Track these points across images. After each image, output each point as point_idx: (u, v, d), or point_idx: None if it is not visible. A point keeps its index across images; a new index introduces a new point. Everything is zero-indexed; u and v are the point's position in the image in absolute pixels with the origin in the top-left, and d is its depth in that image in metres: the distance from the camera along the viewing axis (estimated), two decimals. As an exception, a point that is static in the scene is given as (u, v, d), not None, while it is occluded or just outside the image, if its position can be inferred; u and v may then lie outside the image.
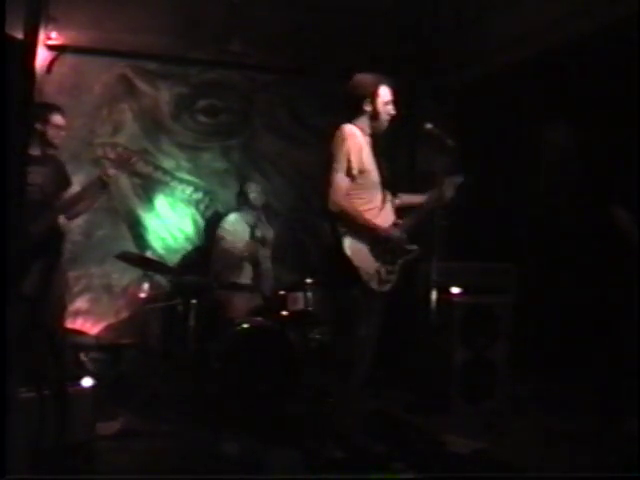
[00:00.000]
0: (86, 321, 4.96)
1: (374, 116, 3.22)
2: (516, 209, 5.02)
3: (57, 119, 3.75)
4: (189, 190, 5.33)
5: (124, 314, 5.09)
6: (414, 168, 5.57)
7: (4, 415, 1.91)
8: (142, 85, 5.20)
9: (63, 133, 3.81)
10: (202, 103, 5.37)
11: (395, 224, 3.22)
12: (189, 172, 5.33)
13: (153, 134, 5.24)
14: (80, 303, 4.96)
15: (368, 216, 3.11)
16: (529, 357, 4.39)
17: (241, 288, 4.56)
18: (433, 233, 3.26)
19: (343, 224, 3.06)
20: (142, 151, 5.19)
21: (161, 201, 5.26)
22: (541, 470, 3.11)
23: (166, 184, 5.27)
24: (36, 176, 3.59)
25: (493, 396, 4.13)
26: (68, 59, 4.91)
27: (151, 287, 4.88)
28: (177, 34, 5.07)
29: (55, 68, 4.86)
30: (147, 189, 5.22)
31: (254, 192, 4.82)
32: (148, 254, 5.06)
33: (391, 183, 3.31)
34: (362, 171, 3.12)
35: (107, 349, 4.57)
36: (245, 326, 3.99)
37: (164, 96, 5.26)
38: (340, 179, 3.05)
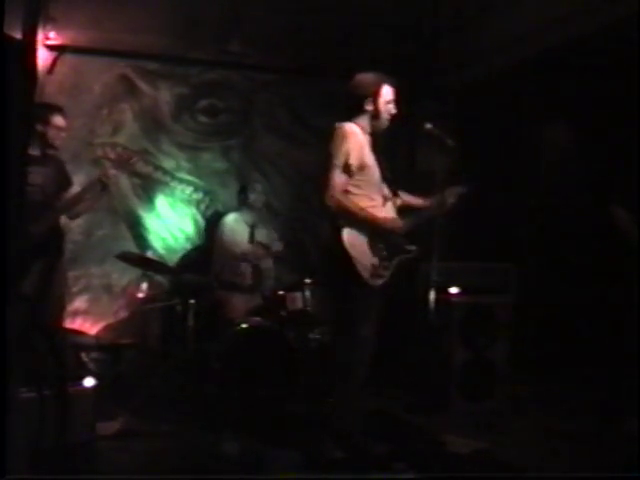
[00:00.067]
0: (86, 321, 4.96)
1: (375, 115, 3.23)
2: (516, 209, 5.02)
3: (58, 120, 3.75)
4: (189, 190, 5.33)
5: (124, 314, 5.09)
6: (414, 168, 5.57)
7: (4, 415, 1.91)
8: (143, 85, 5.20)
9: (63, 134, 3.81)
10: (202, 103, 5.36)
11: (394, 221, 3.23)
12: (189, 172, 5.33)
13: (153, 134, 5.23)
14: (80, 303, 4.96)
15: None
16: (529, 357, 4.39)
17: (241, 288, 4.56)
18: (433, 233, 3.26)
19: (341, 218, 3.07)
20: (142, 151, 5.19)
21: (161, 201, 5.25)
22: (541, 470, 3.11)
23: (166, 184, 5.27)
24: (37, 176, 3.59)
25: (493, 396, 4.13)
26: (68, 59, 4.91)
27: (151, 287, 4.89)
28: (177, 34, 5.06)
29: (55, 68, 4.86)
30: (147, 189, 5.22)
31: (254, 192, 4.83)
32: (148, 254, 5.06)
33: (392, 181, 3.32)
34: (363, 168, 3.13)
35: (107, 349, 4.57)
36: (245, 326, 4.00)
37: (164, 96, 5.26)
38: (337, 175, 3.06)
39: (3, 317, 1.90)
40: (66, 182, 3.90)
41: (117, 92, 5.14)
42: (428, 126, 3.30)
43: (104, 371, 4.28)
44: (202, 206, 5.36)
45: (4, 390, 1.93)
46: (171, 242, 5.27)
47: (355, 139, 3.13)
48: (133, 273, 4.97)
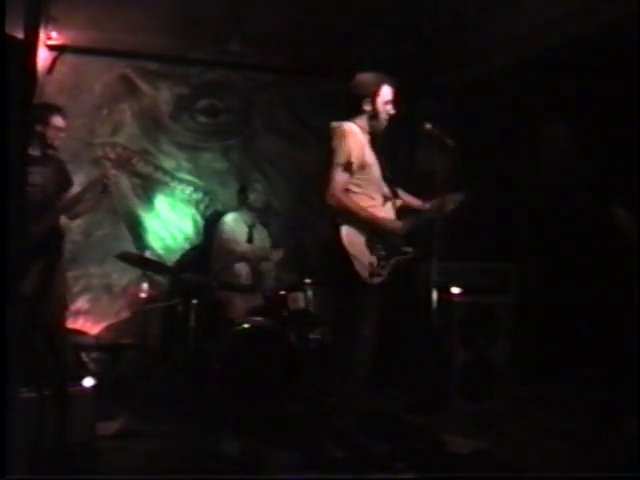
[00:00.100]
0: (86, 321, 4.96)
1: (373, 115, 3.23)
2: (516, 209, 5.02)
3: (57, 121, 3.74)
4: (189, 190, 5.33)
5: (124, 314, 5.09)
6: (414, 168, 5.57)
7: (4, 415, 1.92)
8: (143, 85, 5.20)
9: (63, 134, 3.80)
10: (202, 103, 5.36)
11: (394, 222, 3.24)
12: (189, 172, 5.33)
13: (153, 134, 5.24)
14: (80, 303, 4.96)
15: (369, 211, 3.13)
16: (529, 357, 4.39)
17: (241, 288, 4.56)
18: (433, 233, 3.26)
19: (343, 217, 3.08)
20: (142, 151, 5.19)
21: (161, 201, 5.26)
22: (541, 470, 3.11)
23: (166, 184, 5.27)
24: (37, 177, 3.59)
25: (493, 396, 4.13)
26: (68, 59, 4.91)
27: (151, 287, 4.89)
28: (177, 34, 5.06)
29: (55, 68, 4.86)
30: (147, 189, 5.22)
31: (254, 192, 4.83)
32: (148, 254, 5.06)
33: (392, 181, 3.32)
34: (363, 167, 3.13)
35: (107, 349, 4.57)
36: (245, 326, 3.99)
37: (164, 96, 5.26)
38: (339, 173, 3.07)
39: (3, 317, 1.90)
40: (66, 182, 3.89)
41: (117, 92, 5.14)
42: (428, 126, 3.30)
43: (104, 371, 4.28)
44: (202, 206, 5.36)
45: (4, 390, 1.93)
46: (171, 242, 5.27)
47: (355, 138, 3.13)
48: (133, 273, 4.98)
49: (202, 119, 5.37)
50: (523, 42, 4.68)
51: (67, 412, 3.02)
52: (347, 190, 3.10)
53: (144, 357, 4.66)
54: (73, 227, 4.64)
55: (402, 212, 3.36)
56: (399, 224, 3.21)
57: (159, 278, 4.99)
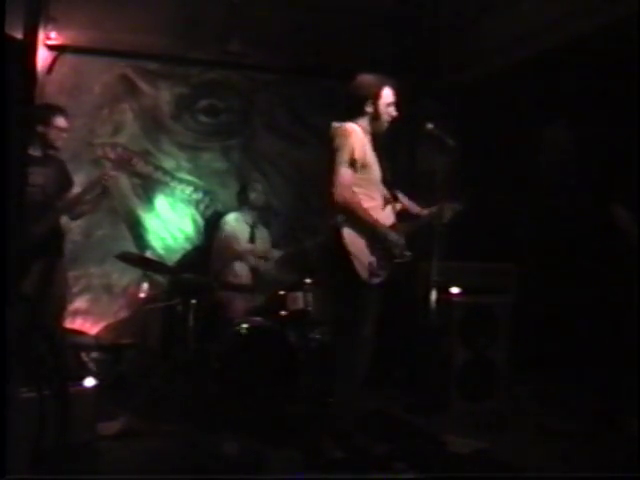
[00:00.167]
0: (86, 321, 4.96)
1: (375, 117, 3.24)
2: (516, 209, 5.02)
3: (59, 121, 3.75)
4: (189, 190, 5.33)
5: (124, 314, 5.09)
6: (414, 168, 5.57)
7: (4, 415, 1.92)
8: (143, 85, 5.20)
9: (65, 135, 3.81)
10: (202, 103, 5.37)
11: (394, 226, 3.24)
12: (189, 172, 5.33)
13: (153, 134, 5.24)
14: (80, 303, 4.96)
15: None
16: (529, 357, 4.39)
17: (241, 288, 4.56)
18: (433, 233, 3.27)
19: (344, 215, 3.08)
20: (143, 151, 5.19)
21: (161, 201, 5.26)
22: (541, 470, 3.11)
23: (166, 184, 5.27)
24: (38, 177, 3.60)
25: (493, 396, 4.13)
26: (68, 59, 4.91)
27: (151, 287, 4.89)
28: (177, 34, 5.06)
29: (55, 68, 4.86)
30: (147, 189, 5.22)
31: (255, 192, 4.82)
32: (148, 254, 5.06)
33: (392, 184, 3.33)
34: (365, 166, 3.14)
35: (107, 349, 4.57)
36: (245, 326, 3.99)
37: (165, 96, 5.26)
38: (345, 171, 3.07)
39: (3, 317, 1.90)
40: (67, 182, 3.90)
41: (117, 92, 5.14)
42: (428, 126, 3.30)
43: (104, 371, 4.28)
44: (202, 206, 5.36)
45: (4, 390, 1.93)
46: (171, 242, 5.27)
47: (357, 137, 3.14)
48: (133, 273, 4.98)
49: (202, 119, 5.37)
50: (523, 42, 4.68)
51: (67, 412, 3.02)
52: (352, 188, 3.10)
53: (144, 357, 4.66)
54: (73, 227, 4.65)
55: (401, 216, 3.36)
56: (398, 237, 3.19)
57: (159, 278, 4.99)
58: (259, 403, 3.78)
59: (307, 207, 5.50)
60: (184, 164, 5.32)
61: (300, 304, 4.16)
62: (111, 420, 3.57)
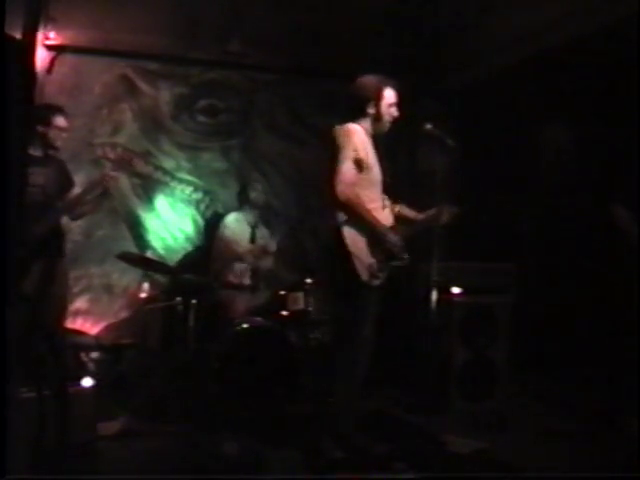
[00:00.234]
0: (86, 321, 4.96)
1: (377, 118, 3.25)
2: (516, 209, 5.02)
3: (59, 121, 3.75)
4: (189, 190, 5.33)
5: (124, 314, 5.09)
6: (414, 168, 5.57)
7: (4, 415, 1.91)
8: (143, 85, 5.20)
9: (65, 135, 3.81)
10: (202, 103, 5.36)
11: (392, 228, 3.24)
12: (189, 172, 5.33)
13: (153, 134, 5.24)
14: (80, 303, 4.96)
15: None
16: (529, 357, 4.39)
17: (241, 288, 4.56)
18: (433, 233, 3.27)
19: (346, 213, 3.08)
20: (142, 151, 5.19)
21: (161, 201, 5.26)
22: (541, 470, 3.11)
23: (166, 184, 5.27)
24: (38, 177, 3.60)
25: (493, 396, 4.13)
26: (68, 59, 4.91)
27: (151, 287, 4.89)
28: (177, 34, 5.06)
29: (55, 68, 4.86)
30: (147, 189, 5.22)
31: (255, 191, 4.82)
32: (148, 254, 5.06)
33: (392, 188, 3.33)
34: (366, 166, 3.14)
35: (107, 349, 4.57)
36: (245, 326, 4.00)
37: (164, 96, 5.26)
38: (347, 168, 3.06)
39: (3, 317, 1.90)
40: (68, 183, 3.90)
41: (117, 92, 5.14)
42: (428, 126, 3.31)
43: (104, 371, 4.28)
44: (202, 206, 5.36)
45: (4, 390, 1.93)
46: (171, 242, 5.27)
47: (359, 136, 3.15)
48: (133, 273, 4.98)
49: (202, 119, 5.37)
50: (523, 42, 4.68)
51: (67, 412, 3.02)
52: (354, 186, 3.10)
53: (144, 357, 4.66)
54: (73, 227, 4.65)
55: (399, 219, 3.37)
56: (397, 238, 3.19)
57: (159, 278, 4.99)
58: (259, 403, 3.79)
59: (307, 207, 5.50)
60: (184, 164, 5.32)
61: (301, 304, 4.17)
62: (111, 420, 3.57)
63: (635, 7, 3.61)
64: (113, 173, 4.10)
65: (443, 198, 3.28)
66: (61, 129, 3.76)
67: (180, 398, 3.92)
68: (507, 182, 5.02)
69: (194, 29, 5.05)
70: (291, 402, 3.87)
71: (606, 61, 4.10)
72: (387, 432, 3.60)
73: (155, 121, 5.24)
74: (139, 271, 4.88)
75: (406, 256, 3.22)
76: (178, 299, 4.18)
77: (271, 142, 5.56)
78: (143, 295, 4.78)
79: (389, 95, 3.25)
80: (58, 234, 3.80)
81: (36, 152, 3.65)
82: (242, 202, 4.86)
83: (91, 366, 4.31)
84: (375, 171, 3.23)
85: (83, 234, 4.96)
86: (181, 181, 5.31)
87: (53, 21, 4.63)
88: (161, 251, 5.22)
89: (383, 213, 3.25)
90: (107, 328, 5.00)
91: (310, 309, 4.14)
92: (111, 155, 5.09)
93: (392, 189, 3.36)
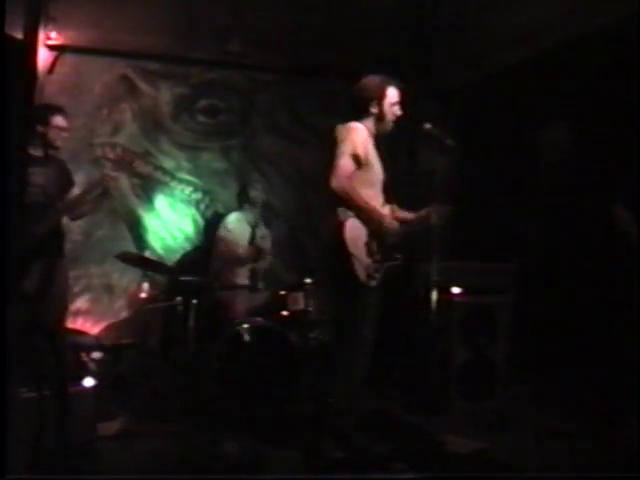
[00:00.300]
0: (86, 321, 4.96)
1: (380, 118, 3.27)
2: (516, 209, 5.02)
3: (59, 120, 3.75)
4: (189, 190, 5.33)
5: (124, 314, 5.09)
6: (414, 168, 5.57)
7: (4, 415, 1.92)
8: (143, 85, 5.20)
9: (65, 134, 3.81)
10: (202, 103, 5.37)
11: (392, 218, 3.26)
12: (189, 172, 5.33)
13: (153, 134, 5.24)
14: (80, 303, 4.96)
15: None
16: (529, 357, 4.39)
17: (241, 288, 4.56)
18: (433, 233, 3.27)
19: (344, 206, 3.08)
20: (142, 151, 5.19)
21: (161, 201, 5.26)
22: (541, 470, 3.11)
23: (166, 184, 5.27)
24: (38, 177, 3.59)
25: (493, 396, 4.13)
26: (69, 59, 4.91)
27: (151, 287, 4.88)
28: (177, 34, 5.06)
29: (55, 68, 4.86)
30: (147, 189, 5.22)
31: (255, 190, 4.82)
32: (148, 254, 5.06)
33: (391, 187, 3.33)
34: (366, 164, 3.15)
35: (107, 349, 4.56)
36: (245, 326, 3.99)
37: (164, 96, 5.26)
38: (344, 161, 3.09)
39: (3, 317, 1.90)
40: (68, 183, 3.89)
41: (118, 92, 5.14)
42: (428, 126, 3.31)
43: (104, 371, 4.28)
44: (202, 206, 5.36)
45: (4, 390, 1.93)
46: (171, 242, 5.27)
47: (361, 133, 3.17)
48: (133, 273, 4.98)
49: (202, 119, 5.37)
50: (523, 42, 4.68)
51: (67, 412, 3.02)
52: (350, 179, 3.10)
53: (144, 357, 4.66)
54: (73, 227, 4.65)
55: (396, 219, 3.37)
56: (395, 224, 3.21)
57: (159, 278, 4.99)
58: (259, 403, 3.78)
59: (307, 207, 5.50)
60: (184, 164, 5.32)
61: (301, 304, 4.17)
62: (111, 420, 3.57)
63: (635, 7, 3.61)
64: (113, 174, 4.10)
65: (440, 198, 3.28)
66: (61, 129, 3.76)
67: (180, 398, 3.92)
68: (507, 182, 5.02)
69: (194, 29, 5.05)
70: (291, 402, 3.86)
71: (606, 61, 4.10)
72: (387, 432, 3.59)
73: (155, 121, 5.24)
74: (139, 271, 4.88)
75: (399, 256, 3.23)
76: (178, 299, 4.18)
77: (271, 142, 5.56)
78: (143, 295, 4.78)
79: (392, 94, 3.27)
80: (58, 234, 3.80)
81: (36, 152, 3.64)
82: (242, 202, 4.86)
83: (91, 366, 4.31)
84: (376, 170, 3.24)
85: (83, 234, 4.96)
86: (181, 181, 5.31)
87: (53, 21, 4.63)
88: (161, 251, 5.22)
89: (384, 211, 3.26)
90: (107, 328, 5.00)
91: (310, 309, 4.14)
92: (111, 155, 5.09)
93: (391, 189, 3.36)
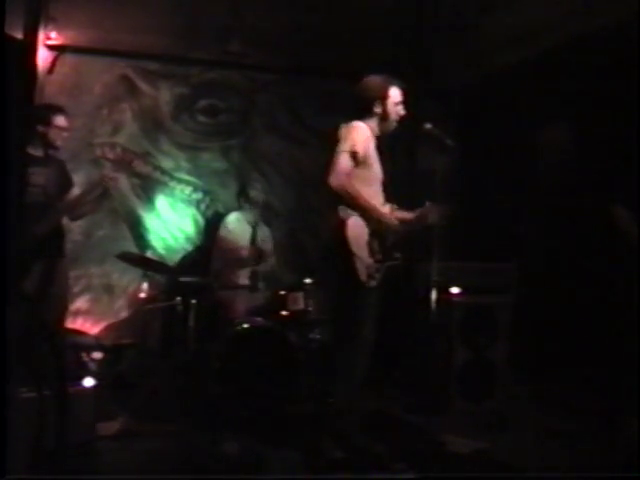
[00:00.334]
0: (86, 321, 4.96)
1: (384, 117, 3.27)
2: (516, 209, 5.02)
3: (60, 120, 3.75)
4: (188, 190, 5.33)
5: (124, 314, 5.09)
6: (414, 168, 5.57)
7: (4, 415, 1.92)
8: (143, 85, 5.20)
9: (65, 134, 3.81)
10: (202, 103, 5.37)
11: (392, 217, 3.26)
12: (189, 172, 5.33)
13: (153, 134, 5.24)
14: (80, 303, 4.96)
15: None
16: (529, 357, 4.39)
17: (241, 288, 4.56)
18: (432, 233, 3.27)
19: (344, 204, 3.09)
20: (142, 151, 5.19)
21: (161, 201, 5.26)
22: (541, 470, 3.11)
23: (165, 184, 5.27)
24: (39, 177, 3.60)
25: (493, 396, 4.13)
26: (69, 59, 4.91)
27: (151, 287, 4.88)
28: (177, 34, 5.06)
29: (56, 68, 4.86)
30: (147, 189, 5.22)
31: (254, 190, 4.82)
32: (148, 254, 5.06)
33: (390, 187, 3.34)
34: (366, 162, 3.15)
35: (107, 349, 4.56)
36: (245, 326, 3.99)
37: (164, 96, 5.26)
38: (344, 158, 3.09)
39: (3, 317, 1.90)
40: (67, 183, 3.90)
41: (118, 92, 5.14)
42: (428, 126, 3.31)
43: (104, 371, 4.28)
44: (202, 206, 5.36)
45: (4, 390, 1.93)
46: (171, 242, 5.27)
47: (362, 131, 3.18)
48: (133, 273, 4.97)
49: (202, 119, 5.37)
50: (523, 42, 4.68)
51: (67, 412, 3.02)
52: (349, 177, 3.11)
53: (144, 357, 4.66)
54: (74, 227, 4.65)
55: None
56: (396, 222, 3.22)
57: (159, 278, 4.99)
58: (259, 403, 3.78)
59: (307, 207, 5.50)
60: (184, 164, 5.32)
61: (301, 304, 4.17)
62: (111, 420, 3.57)
63: (635, 7, 3.61)
64: (112, 175, 4.11)
65: (439, 198, 3.28)
66: (62, 129, 3.76)
67: (180, 398, 3.92)
68: (507, 182, 5.02)
69: (194, 29, 5.05)
70: (291, 402, 3.86)
71: (606, 61, 4.10)
72: (387, 432, 3.59)
73: (155, 121, 5.24)
74: (139, 271, 4.87)
75: (399, 255, 3.23)
76: (178, 299, 4.19)
77: (271, 142, 5.56)
78: (143, 295, 4.78)
79: (395, 94, 3.27)
80: (58, 234, 3.80)
81: (37, 152, 3.65)
82: (241, 202, 4.85)
83: (91, 366, 4.30)
84: (376, 170, 3.25)
85: (83, 234, 4.96)
86: (181, 181, 5.31)
87: (53, 21, 4.63)
88: (161, 251, 5.22)
89: (383, 210, 3.26)
90: (107, 328, 5.00)
91: (310, 309, 4.14)
92: (110, 155, 5.09)
93: (391, 188, 3.36)
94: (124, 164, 5.08)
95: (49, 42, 4.73)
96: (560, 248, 4.64)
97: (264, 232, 4.88)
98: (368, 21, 5.05)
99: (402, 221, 3.30)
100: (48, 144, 3.71)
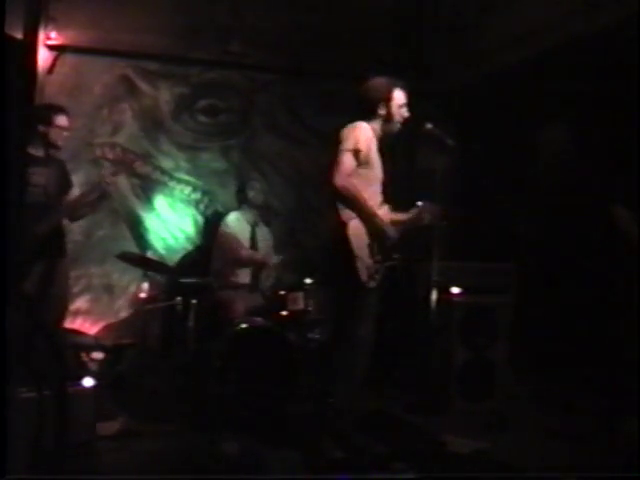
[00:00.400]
0: (86, 321, 4.96)
1: (388, 119, 3.27)
2: (516, 209, 5.02)
3: (61, 120, 3.75)
4: (188, 190, 5.33)
5: (124, 314, 5.09)
6: (414, 168, 5.57)
7: (4, 415, 1.92)
8: (143, 85, 5.20)
9: (66, 134, 3.81)
10: (202, 103, 5.37)
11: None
12: (189, 172, 5.33)
13: (153, 134, 5.24)
14: (80, 303, 4.96)
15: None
16: (529, 357, 4.39)
17: (241, 288, 4.56)
18: (432, 233, 3.27)
19: (345, 204, 3.09)
20: (142, 151, 5.19)
21: (161, 201, 5.26)
22: (541, 470, 3.11)
23: (165, 184, 5.27)
24: (39, 177, 3.59)
25: (493, 396, 4.13)
26: (69, 59, 4.91)
27: (151, 287, 4.88)
28: (177, 34, 5.07)
29: (56, 68, 4.86)
30: (146, 189, 5.22)
31: (253, 190, 4.82)
32: (148, 254, 5.06)
33: (391, 188, 3.34)
34: (367, 161, 3.16)
35: (107, 349, 4.57)
36: (245, 326, 3.99)
37: (164, 96, 5.26)
38: (346, 158, 3.10)
39: (3, 317, 1.90)
40: (67, 184, 3.90)
41: (118, 92, 5.14)
42: (428, 126, 3.32)
43: (104, 371, 4.28)
44: (202, 206, 5.36)
45: (4, 390, 1.93)
46: (171, 242, 5.27)
47: (365, 131, 3.18)
48: (133, 273, 4.97)
49: (202, 119, 5.37)
50: (523, 42, 4.68)
51: (67, 412, 3.02)
52: (351, 176, 3.11)
53: (144, 357, 4.66)
54: (74, 227, 4.64)
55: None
56: (392, 229, 3.21)
57: (159, 278, 4.99)
58: (259, 403, 3.78)
59: (307, 207, 5.50)
60: (184, 164, 5.32)
61: (300, 304, 4.16)
62: (111, 420, 3.57)
63: (635, 7, 3.61)
64: (112, 176, 4.11)
65: (436, 198, 3.28)
66: (62, 128, 3.76)
67: (180, 398, 3.92)
68: (507, 182, 5.02)
69: (194, 29, 5.05)
70: (291, 402, 3.86)
71: (606, 61, 4.10)
72: (387, 432, 3.59)
73: (155, 121, 5.24)
74: (139, 271, 4.86)
75: (397, 256, 3.23)
76: (178, 299, 4.19)
77: (271, 142, 5.56)
78: (143, 295, 4.78)
79: (399, 96, 3.27)
80: (59, 234, 3.80)
81: (37, 152, 3.64)
82: (241, 201, 4.85)
83: (91, 366, 4.31)
84: (376, 170, 3.25)
85: (83, 234, 4.96)
86: (180, 181, 5.31)
87: (53, 21, 4.63)
88: (161, 251, 5.22)
89: (380, 212, 3.25)
90: (107, 328, 5.00)
91: (310, 309, 4.14)
92: (110, 155, 5.09)
93: (390, 189, 3.36)
94: (124, 164, 5.08)
95: (49, 42, 4.72)
96: (560, 248, 4.64)
97: (264, 232, 4.88)
98: (368, 21, 5.06)
99: (397, 223, 3.30)
100: (49, 144, 3.70)
